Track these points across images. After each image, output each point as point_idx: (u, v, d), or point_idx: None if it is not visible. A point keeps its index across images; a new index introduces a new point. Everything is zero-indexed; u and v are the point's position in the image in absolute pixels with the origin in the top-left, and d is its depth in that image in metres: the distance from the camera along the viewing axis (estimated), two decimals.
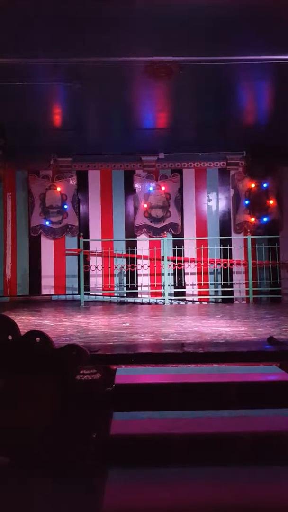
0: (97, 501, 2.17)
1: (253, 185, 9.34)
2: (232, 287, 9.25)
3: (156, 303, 9.16)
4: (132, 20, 4.72)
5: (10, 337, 3.32)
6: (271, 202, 9.24)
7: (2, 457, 2.88)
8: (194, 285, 9.36)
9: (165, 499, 2.31)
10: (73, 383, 2.95)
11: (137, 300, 9.30)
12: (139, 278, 9.34)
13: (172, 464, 2.60)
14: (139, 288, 9.32)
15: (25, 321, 5.68)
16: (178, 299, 9.25)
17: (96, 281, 9.31)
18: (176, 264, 9.20)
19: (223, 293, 9.26)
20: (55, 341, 3.35)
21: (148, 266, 9.30)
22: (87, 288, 9.02)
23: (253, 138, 8.36)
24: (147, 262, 9.32)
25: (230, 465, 2.63)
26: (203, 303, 9.25)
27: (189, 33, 4.91)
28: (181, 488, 2.43)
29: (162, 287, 9.07)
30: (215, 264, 9.27)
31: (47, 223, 9.44)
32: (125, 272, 9.37)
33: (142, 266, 9.26)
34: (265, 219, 9.27)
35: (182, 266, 9.24)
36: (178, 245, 9.27)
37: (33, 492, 2.52)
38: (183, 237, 9.39)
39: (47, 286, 9.44)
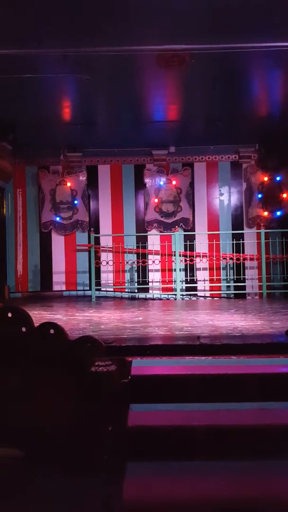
0: (117, 495, 2.10)
1: (266, 178, 9.20)
2: (244, 282, 9.12)
3: (168, 299, 9.07)
4: (142, 7, 4.63)
5: (24, 329, 3.27)
6: (284, 195, 9.09)
7: (17, 450, 2.82)
8: (206, 280, 9.25)
9: (184, 493, 2.24)
10: (88, 375, 2.88)
11: (148, 295, 9.22)
12: (150, 273, 9.26)
13: (192, 457, 2.52)
14: (150, 284, 9.23)
15: (37, 316, 5.62)
16: (190, 295, 9.15)
17: (107, 277, 9.25)
18: (188, 259, 9.10)
19: (236, 288, 9.14)
20: (69, 335, 3.29)
21: (159, 262, 9.21)
22: (98, 283, 8.96)
23: (266, 130, 8.22)
24: (158, 257, 9.23)
25: (251, 459, 2.54)
26: (215, 298, 9.14)
27: (201, 20, 4.80)
28: (201, 481, 2.36)
29: (174, 282, 8.98)
30: (228, 259, 9.15)
31: (58, 219, 9.40)
32: (136, 268, 9.30)
33: (153, 262, 9.17)
34: (278, 213, 9.13)
35: (194, 261, 9.14)
36: (189, 240, 9.16)
37: (49, 486, 2.46)
38: (194, 231, 9.28)
39: (58, 282, 9.41)
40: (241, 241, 9.10)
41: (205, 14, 4.70)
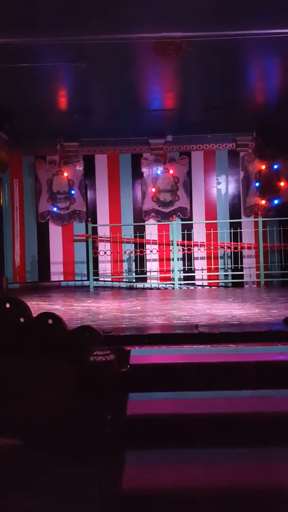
0: (116, 483, 2.12)
1: (263, 167, 9.17)
2: (242, 270, 9.14)
3: (166, 288, 9.09)
4: None
5: (22, 320, 3.28)
6: (282, 183, 9.07)
7: (16, 439, 2.84)
8: (204, 269, 9.26)
9: (183, 480, 2.26)
10: (87, 364, 2.89)
11: (146, 285, 9.24)
12: (148, 263, 9.27)
13: (190, 444, 2.55)
14: (148, 273, 9.24)
15: (35, 306, 5.62)
16: (188, 284, 9.17)
17: (105, 267, 9.25)
18: (186, 249, 9.10)
19: (233, 277, 9.16)
20: (67, 325, 3.30)
21: (157, 251, 9.20)
22: (96, 273, 8.96)
23: (263, 118, 8.16)
24: (156, 247, 9.23)
25: (249, 446, 2.57)
26: (213, 287, 9.17)
27: (197, 7, 4.74)
28: (200, 469, 2.38)
29: (172, 272, 8.99)
30: (225, 247, 9.16)
31: (55, 209, 9.37)
32: (133, 257, 9.30)
33: (151, 251, 9.17)
34: (276, 201, 9.12)
35: (192, 251, 9.15)
36: (187, 229, 9.16)
37: (48, 475, 2.48)
38: (192, 221, 9.27)
39: (56, 272, 9.41)
40: (238, 230, 9.09)
41: (201, 1, 4.64)
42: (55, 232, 9.46)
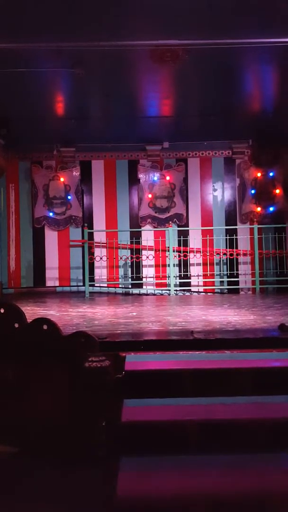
0: (111, 490, 2.11)
1: (259, 174, 9.22)
2: (238, 277, 9.16)
3: (162, 294, 9.09)
4: (136, 2, 4.61)
5: (16, 325, 3.26)
6: (277, 191, 9.13)
7: (10, 447, 2.82)
8: (200, 275, 9.27)
9: (179, 487, 2.25)
10: (82, 370, 2.88)
11: (142, 291, 9.24)
12: (144, 269, 9.26)
13: (186, 451, 2.54)
14: (144, 279, 9.24)
15: (30, 312, 5.60)
16: (184, 290, 9.18)
17: (101, 273, 9.24)
18: (182, 255, 9.11)
19: (229, 283, 9.17)
20: (62, 330, 3.28)
21: (153, 257, 9.21)
22: (91, 279, 8.95)
23: (259, 126, 8.23)
24: (152, 253, 9.23)
25: (245, 452, 2.56)
26: (209, 293, 9.17)
27: (194, 15, 4.80)
28: (196, 475, 2.37)
29: (168, 278, 8.99)
30: (221, 254, 9.18)
31: (51, 214, 9.36)
32: (130, 263, 9.29)
33: (147, 257, 9.17)
34: (271, 209, 9.17)
35: (188, 257, 9.16)
36: (183, 235, 9.18)
37: (43, 482, 2.46)
38: (188, 227, 9.29)
39: (52, 277, 9.38)
40: (234, 237, 9.12)
41: (198, 9, 4.69)
42: (51, 237, 9.45)
